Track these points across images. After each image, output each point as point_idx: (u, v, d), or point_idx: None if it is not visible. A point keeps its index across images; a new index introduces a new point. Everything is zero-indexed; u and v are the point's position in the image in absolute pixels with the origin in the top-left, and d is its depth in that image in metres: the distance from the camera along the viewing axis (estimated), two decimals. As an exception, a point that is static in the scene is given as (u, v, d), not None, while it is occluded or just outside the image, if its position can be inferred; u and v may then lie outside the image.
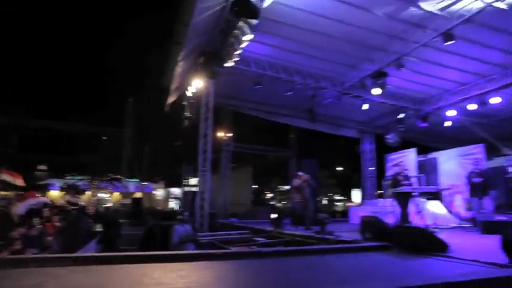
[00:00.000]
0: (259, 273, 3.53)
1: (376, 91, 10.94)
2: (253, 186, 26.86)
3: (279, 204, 31.17)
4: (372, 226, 5.65)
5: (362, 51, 10.17)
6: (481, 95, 11.59)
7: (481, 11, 7.69)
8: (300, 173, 9.97)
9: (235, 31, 8.11)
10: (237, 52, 8.88)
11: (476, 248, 5.31)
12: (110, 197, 26.18)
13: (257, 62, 10.74)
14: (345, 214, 16.97)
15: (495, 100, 11.54)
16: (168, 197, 27.34)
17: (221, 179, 17.28)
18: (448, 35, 8.22)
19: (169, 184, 27.24)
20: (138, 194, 25.05)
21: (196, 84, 10.44)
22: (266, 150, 20.15)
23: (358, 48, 9.95)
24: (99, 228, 9.70)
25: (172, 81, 11.11)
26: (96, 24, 50.75)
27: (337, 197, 37.28)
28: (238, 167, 21.73)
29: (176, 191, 25.89)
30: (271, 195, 38.64)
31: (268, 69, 10.91)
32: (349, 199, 33.80)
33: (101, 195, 25.48)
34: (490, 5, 7.51)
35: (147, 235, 8.56)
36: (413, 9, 8.09)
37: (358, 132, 16.86)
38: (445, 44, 8.41)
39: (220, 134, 17.60)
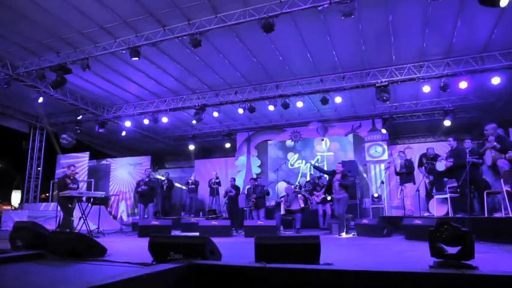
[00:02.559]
0: None
1: (54, 86, 10.11)
2: None
3: None
4: (25, 233, 5.08)
5: (48, 39, 9.22)
6: (155, 112, 12.99)
7: (164, 40, 8.69)
8: None
9: None
10: None
11: (132, 251, 5.77)
12: None
13: None
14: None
15: (164, 119, 13.24)
16: None
17: None
18: (134, 51, 8.74)
19: None
20: None
21: None
22: None
23: (44, 33, 8.94)
24: None
25: None
26: None
27: (-10, 198, 31.49)
28: None
29: None
30: None
31: None
32: (7, 201, 29.25)
33: None
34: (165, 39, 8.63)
35: None
36: (108, 15, 8.15)
37: (28, 126, 15.02)
38: (132, 58, 8.90)
39: None
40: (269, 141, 15.63)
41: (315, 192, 11.13)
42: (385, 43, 9.24)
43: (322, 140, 14.58)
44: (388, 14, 8.00)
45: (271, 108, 12.06)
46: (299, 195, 10.04)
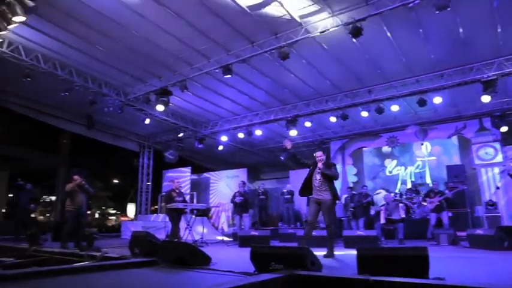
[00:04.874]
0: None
1: (160, 108, 11.11)
2: (9, 196, 22.61)
3: (41, 217, 27.26)
4: (141, 241, 5.62)
5: (151, 66, 10.23)
6: (248, 126, 13.49)
7: (253, 56, 9.02)
8: (76, 176, 8.96)
9: (3, 7, 6.79)
10: (2, 32, 7.43)
11: (234, 260, 6.01)
12: None
13: (30, 51, 9.16)
14: (118, 229, 16.36)
15: (258, 132, 13.65)
16: None
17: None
18: (227, 69, 9.25)
19: None
20: None
21: None
22: (30, 154, 17.42)
23: (147, 62, 9.95)
24: None
25: None
26: None
27: (111, 211, 35.52)
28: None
29: None
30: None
31: (43, 62, 9.50)
32: (123, 213, 32.72)
33: None
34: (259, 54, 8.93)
35: None
36: (201, 38, 8.74)
37: (138, 145, 16.68)
38: (224, 76, 9.42)
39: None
40: (364, 149, 15.08)
41: (427, 199, 10.22)
42: (491, 33, 8.35)
43: (422, 144, 13.59)
44: (493, 0, 7.24)
45: (364, 114, 11.68)
46: (400, 204, 9.45)
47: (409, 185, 12.91)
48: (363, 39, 7.86)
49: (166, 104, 10.88)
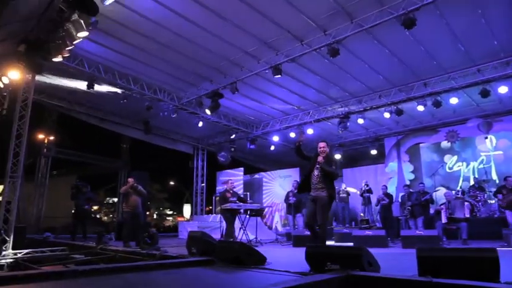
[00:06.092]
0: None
1: (211, 110, 11.40)
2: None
3: (105, 218, 29.04)
4: (197, 241, 5.78)
5: (202, 70, 10.50)
6: (300, 125, 13.43)
7: (302, 54, 8.96)
8: (130, 179, 9.51)
9: (68, 24, 7.33)
10: (68, 48, 8.03)
11: (289, 260, 6.00)
12: None
13: (91, 62, 9.86)
14: (175, 229, 17.01)
15: (310, 131, 13.54)
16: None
17: (37, 187, 15.09)
18: (276, 69, 9.28)
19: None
20: None
21: (13, 76, 8.93)
22: (94, 158, 18.59)
23: (199, 66, 10.23)
24: None
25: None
26: None
27: (168, 212, 36.97)
28: (59, 175, 19.43)
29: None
30: (96, 207, 35.63)
31: (104, 72, 10.16)
32: (180, 214, 33.92)
33: None
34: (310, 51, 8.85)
35: None
36: (250, 40, 8.84)
37: (192, 148, 17.20)
38: (274, 76, 9.44)
39: (41, 137, 15.44)
40: (421, 144, 14.39)
41: (499, 196, 9.45)
42: None
43: (486, 137, 12.69)
44: None
45: (420, 108, 11.16)
46: (465, 203, 8.88)
47: (471, 182, 12.13)
48: (416, 30, 7.50)
49: (217, 106, 11.13)
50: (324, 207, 5.65)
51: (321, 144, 5.94)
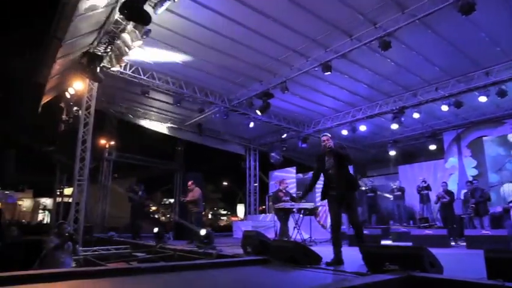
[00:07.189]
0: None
1: (261, 111, 11.50)
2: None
3: (163, 218, 30.25)
4: (252, 240, 5.85)
5: (252, 71, 10.62)
6: (352, 122, 13.13)
7: (352, 49, 8.76)
8: (190, 182, 9.96)
9: (124, 35, 7.77)
10: (125, 57, 8.53)
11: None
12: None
13: (146, 69, 10.39)
14: (229, 228, 17.32)
15: (362, 128, 13.19)
16: (37, 208, 24.28)
17: (101, 189, 16.12)
18: (326, 66, 9.14)
19: (38, 193, 24.19)
20: (-3, 205, 21.84)
21: (78, 86, 9.65)
22: (151, 161, 19.45)
23: (248, 67, 10.36)
24: None
25: (48, 79, 10.05)
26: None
27: (222, 211, 37.77)
28: (120, 177, 20.54)
29: (47, 201, 23.21)
30: (155, 208, 37.27)
31: (157, 78, 10.64)
32: (233, 214, 34.51)
33: None
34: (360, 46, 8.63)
35: (7, 253, 7.49)
36: (298, 38, 8.79)
37: (244, 148, 17.42)
38: (324, 73, 9.31)
39: (102, 142, 16.44)
40: (484, 138, 13.45)
41: None
42: None
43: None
44: None
45: (482, 99, 10.43)
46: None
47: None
48: (475, 16, 7.03)
49: (267, 107, 11.20)
50: (355, 205, 5.35)
51: (324, 138, 5.48)
